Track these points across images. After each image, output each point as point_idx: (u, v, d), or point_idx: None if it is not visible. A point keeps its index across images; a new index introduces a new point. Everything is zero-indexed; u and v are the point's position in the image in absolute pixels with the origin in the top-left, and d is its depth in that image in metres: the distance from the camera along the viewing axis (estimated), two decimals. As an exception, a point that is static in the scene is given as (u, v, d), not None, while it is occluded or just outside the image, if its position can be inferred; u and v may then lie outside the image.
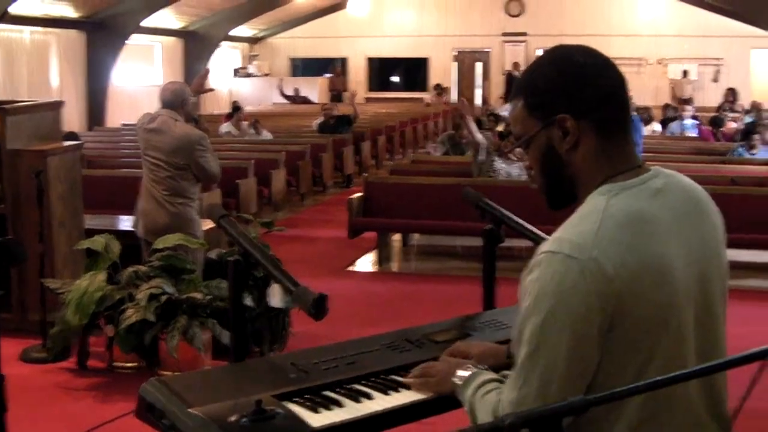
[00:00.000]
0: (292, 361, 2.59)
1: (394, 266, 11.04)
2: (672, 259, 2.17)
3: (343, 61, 32.08)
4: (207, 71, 8.94)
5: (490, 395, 2.33)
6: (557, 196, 2.34)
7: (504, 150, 11.35)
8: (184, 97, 7.16)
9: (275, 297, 6.85)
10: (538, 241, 3.27)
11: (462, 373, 2.49)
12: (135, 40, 22.21)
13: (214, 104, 26.37)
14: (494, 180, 11.10)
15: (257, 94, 29.17)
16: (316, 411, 2.39)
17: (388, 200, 10.92)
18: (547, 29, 30.29)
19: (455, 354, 2.76)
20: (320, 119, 18.20)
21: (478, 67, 31.93)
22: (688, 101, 26.21)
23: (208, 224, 7.31)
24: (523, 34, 30.84)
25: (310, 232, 12.57)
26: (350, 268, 10.65)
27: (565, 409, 1.72)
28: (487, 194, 10.62)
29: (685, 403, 2.21)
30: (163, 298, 5.97)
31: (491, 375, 2.46)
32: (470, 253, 11.25)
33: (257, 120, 17.04)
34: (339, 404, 2.45)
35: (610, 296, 2.08)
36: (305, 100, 28.12)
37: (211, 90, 10.79)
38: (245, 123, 16.75)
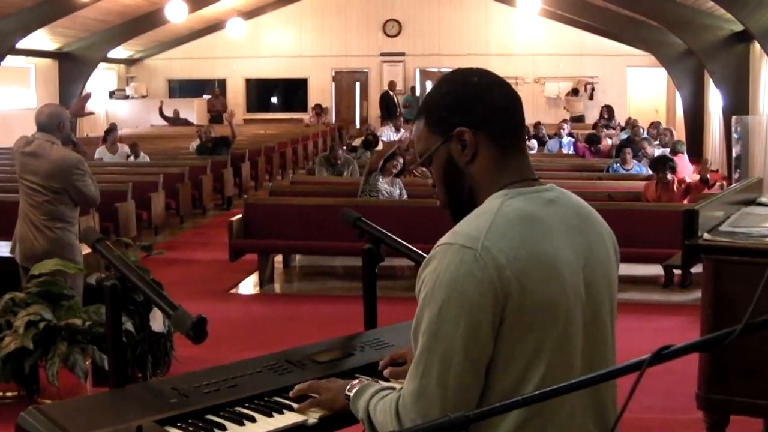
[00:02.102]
0: (173, 385, 2.58)
1: (277, 287, 11.00)
2: (561, 260, 2.27)
3: (221, 83, 31.87)
4: (88, 95, 8.82)
5: (387, 397, 2.39)
6: (459, 208, 2.43)
7: (391, 169, 11.47)
8: (60, 120, 7.00)
9: (157, 321, 6.77)
10: (416, 259, 3.32)
11: (350, 386, 2.56)
12: (9, 62, 21.75)
13: (91, 127, 25.96)
14: (375, 200, 11.18)
15: (135, 116, 28.83)
16: None
17: (269, 222, 10.89)
18: (425, 49, 30.64)
19: (398, 357, 2.90)
20: (197, 141, 18.09)
21: (357, 87, 32.03)
22: (580, 119, 26.75)
23: (87, 249, 7.19)
24: (401, 54, 31.03)
25: (190, 255, 12.46)
26: (232, 291, 10.60)
27: (446, 426, 1.74)
28: (368, 214, 10.64)
29: (569, 412, 2.28)
30: (42, 324, 5.83)
31: (385, 384, 2.54)
32: (351, 273, 11.31)
33: (135, 143, 16.83)
34: (222, 428, 2.45)
35: (502, 284, 2.17)
36: (185, 122, 27.89)
37: (92, 113, 10.60)
38: (122, 146, 16.53)
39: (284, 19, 31.56)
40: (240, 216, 10.97)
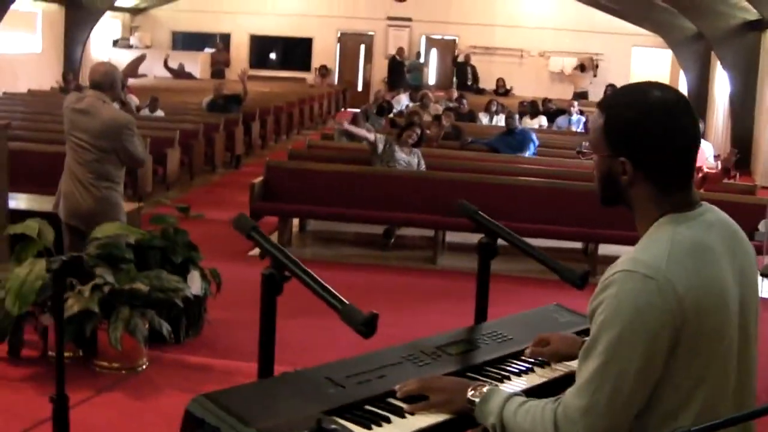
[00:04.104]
0: (326, 375, 2.64)
1: (292, 252, 11.02)
2: (727, 287, 2.38)
3: (225, 37, 31.72)
4: (143, 56, 8.82)
5: (537, 406, 2.45)
6: (608, 203, 2.57)
7: (407, 139, 11.49)
8: (113, 79, 7.00)
9: (194, 285, 6.84)
10: (530, 252, 3.40)
11: (474, 391, 2.60)
12: (16, 5, 21.58)
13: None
14: (394, 170, 11.23)
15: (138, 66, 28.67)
16: (369, 428, 2.46)
17: (289, 185, 10.94)
18: (432, 16, 30.52)
19: (543, 340, 3.03)
20: (209, 97, 18.04)
21: (362, 49, 31.93)
22: (584, 95, 26.74)
23: (129, 208, 7.27)
24: (408, 19, 30.91)
25: (206, 214, 12.45)
26: (251, 253, 10.62)
27: None
28: (387, 183, 10.70)
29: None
30: (106, 288, 5.88)
31: (510, 390, 2.60)
32: (363, 240, 11.39)
33: (156, 97, 16.79)
34: (388, 420, 2.51)
35: (681, 313, 2.28)
36: (189, 76, 27.78)
37: (144, 75, 10.62)
38: (131, 97, 16.46)
39: (293, -24, 31.42)
40: (261, 178, 10.99)
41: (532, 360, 3.07)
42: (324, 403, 2.50)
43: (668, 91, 2.46)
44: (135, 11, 31.31)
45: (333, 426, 2.34)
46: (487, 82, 28.36)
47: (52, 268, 3.65)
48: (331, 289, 2.64)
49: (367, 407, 2.57)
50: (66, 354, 6.40)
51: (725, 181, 13.08)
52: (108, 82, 6.97)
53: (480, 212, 3.51)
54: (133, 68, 7.41)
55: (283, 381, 2.65)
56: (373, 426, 2.48)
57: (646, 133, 2.40)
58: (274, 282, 2.79)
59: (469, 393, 2.59)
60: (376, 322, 2.54)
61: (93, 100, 6.92)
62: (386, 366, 2.82)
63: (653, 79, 2.62)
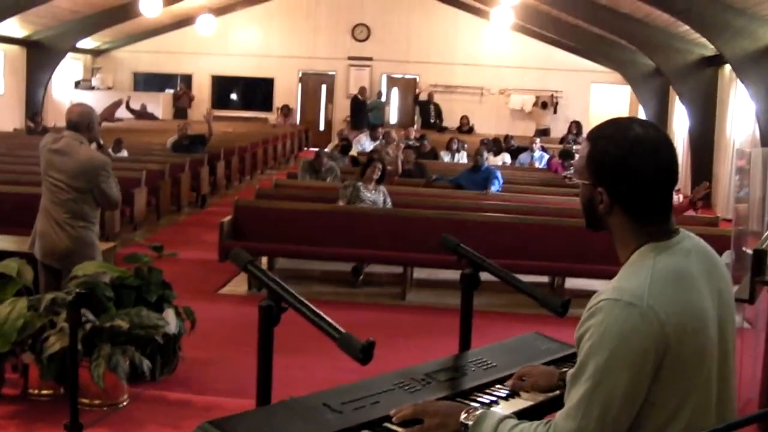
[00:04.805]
0: (323, 401, 2.71)
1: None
2: (706, 310, 2.51)
3: (187, 78, 31.79)
4: (120, 101, 8.89)
5: (524, 428, 2.56)
6: (591, 227, 2.71)
7: (371, 176, 11.57)
8: (90, 120, 7.07)
9: (171, 322, 6.88)
10: (516, 285, 3.50)
11: (467, 414, 2.69)
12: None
13: (56, 117, 25.78)
14: (361, 207, 11.32)
15: (100, 107, 27.83)
16: None
17: (258, 224, 11.00)
18: (393, 55, 30.78)
19: (524, 375, 3.12)
20: (174, 138, 18.11)
21: (323, 89, 32.10)
22: (545, 132, 27.03)
23: (104, 247, 7.31)
24: (369, 59, 31.17)
25: (178, 253, 12.47)
26: (221, 291, 10.68)
27: None
28: (355, 221, 10.77)
29: None
30: (88, 326, 5.92)
31: (503, 412, 2.70)
32: (332, 278, 11.46)
33: (120, 139, 16.86)
34: (384, 444, 2.60)
35: (664, 338, 2.40)
36: (151, 116, 27.83)
37: (120, 120, 10.67)
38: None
39: (253, 18, 31.58)
40: (229, 217, 11.05)
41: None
42: (324, 428, 2.59)
43: (650, 128, 2.59)
44: (96, 52, 31.33)
45: None
46: (449, 120, 28.62)
47: (67, 300, 3.71)
48: (327, 318, 2.73)
49: (365, 431, 2.66)
50: (47, 392, 6.47)
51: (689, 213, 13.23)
52: (85, 123, 7.03)
53: (462, 245, 3.61)
54: (110, 113, 7.49)
55: (281, 408, 2.73)
56: None
57: (623, 169, 2.53)
58: (271, 313, 2.86)
59: (462, 416, 2.69)
60: (373, 349, 2.63)
61: (69, 141, 6.98)
62: (379, 393, 2.90)
63: (611, 116, 2.79)
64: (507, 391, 3.11)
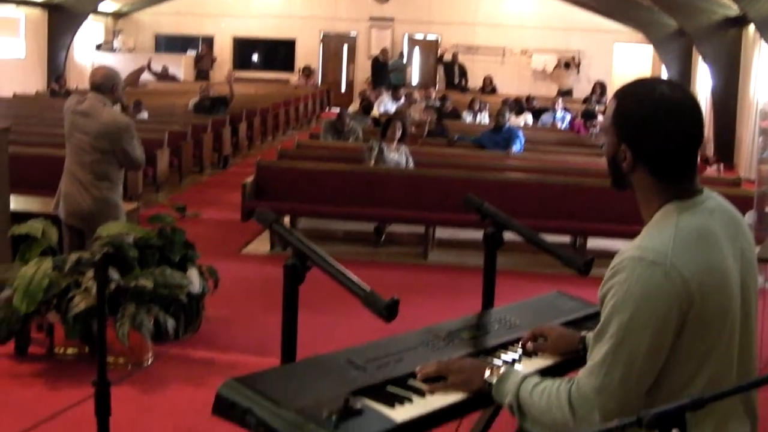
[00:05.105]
0: (347, 358, 2.75)
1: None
2: (729, 267, 2.51)
3: (208, 40, 31.74)
4: (144, 67, 8.92)
5: (552, 385, 2.59)
6: (615, 186, 2.71)
7: (392, 136, 11.56)
8: (114, 82, 7.11)
9: (194, 282, 6.92)
10: (537, 242, 3.51)
11: (491, 372, 2.73)
12: (-1, 10, 21.67)
13: (78, 79, 25.83)
14: (383, 168, 11.32)
15: (121, 69, 27.82)
16: (392, 406, 2.55)
17: (280, 184, 11.02)
18: (414, 16, 30.62)
19: (540, 333, 3.13)
20: (196, 99, 18.12)
21: (345, 50, 32.00)
22: (568, 92, 26.88)
23: (127, 208, 7.36)
24: (390, 19, 30.99)
25: (200, 213, 12.53)
26: (244, 251, 10.72)
27: (689, 406, 1.96)
28: (377, 181, 10.80)
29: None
30: (113, 285, 5.97)
31: (526, 370, 2.72)
32: (354, 237, 11.48)
33: (139, 100, 16.88)
34: (409, 400, 2.62)
35: (687, 296, 2.41)
36: (173, 78, 27.84)
37: (145, 86, 10.72)
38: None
39: (275, -22, 31.47)
40: (252, 178, 11.07)
41: None
42: (348, 385, 2.61)
43: (677, 89, 2.59)
44: (118, 15, 31.31)
45: (360, 405, 2.45)
46: (471, 81, 28.48)
47: (94, 260, 3.76)
48: (352, 276, 2.74)
49: (389, 388, 2.68)
50: (72, 350, 6.54)
51: (708, 170, 13.24)
52: (108, 84, 7.07)
53: (486, 204, 3.62)
54: (134, 78, 7.55)
55: (306, 365, 2.76)
56: (397, 405, 2.58)
57: (647, 128, 2.54)
58: (296, 272, 2.88)
59: (486, 373, 2.72)
60: (398, 307, 2.65)
61: (93, 102, 7.01)
62: (403, 350, 2.93)
63: (634, 76, 2.79)
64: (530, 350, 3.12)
